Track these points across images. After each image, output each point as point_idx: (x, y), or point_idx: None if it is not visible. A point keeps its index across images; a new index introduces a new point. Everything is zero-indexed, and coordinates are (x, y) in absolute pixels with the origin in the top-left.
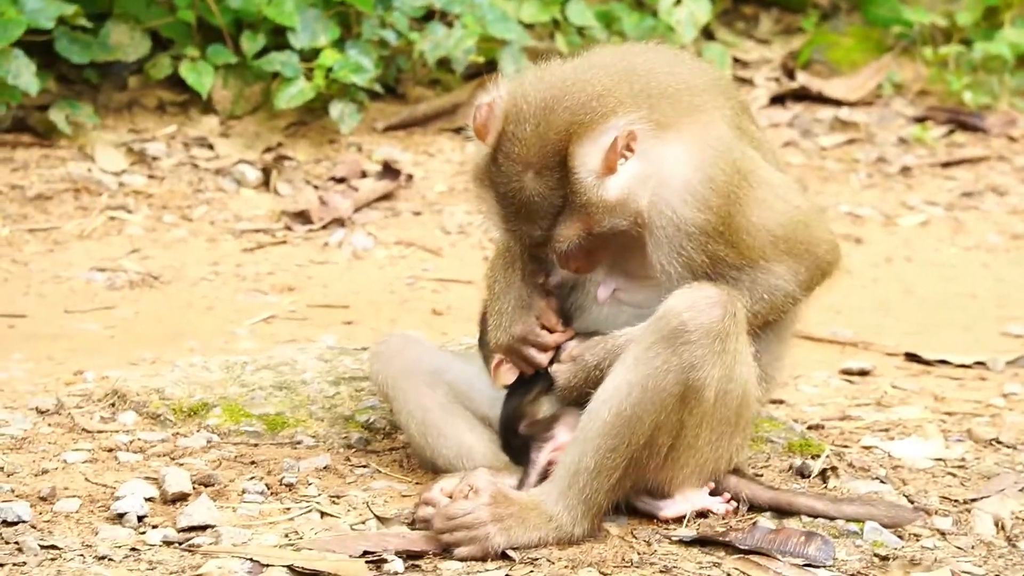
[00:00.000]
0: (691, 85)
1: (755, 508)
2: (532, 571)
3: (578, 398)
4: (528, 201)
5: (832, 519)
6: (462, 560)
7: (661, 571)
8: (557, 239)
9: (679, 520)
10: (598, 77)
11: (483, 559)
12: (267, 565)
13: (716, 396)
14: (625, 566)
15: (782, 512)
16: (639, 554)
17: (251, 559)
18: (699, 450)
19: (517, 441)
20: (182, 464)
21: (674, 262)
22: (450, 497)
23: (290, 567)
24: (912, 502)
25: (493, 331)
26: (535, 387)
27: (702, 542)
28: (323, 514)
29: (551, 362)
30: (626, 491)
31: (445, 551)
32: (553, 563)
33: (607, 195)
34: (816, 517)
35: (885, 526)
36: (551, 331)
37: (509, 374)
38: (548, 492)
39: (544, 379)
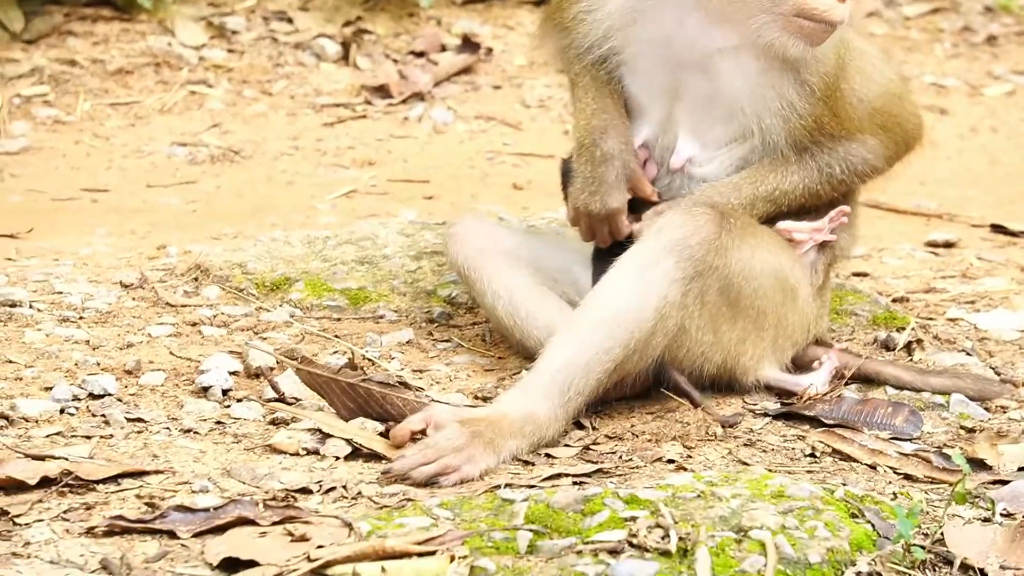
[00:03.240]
0: None
1: (840, 377)
2: (616, 446)
3: None
4: None
5: (919, 391)
6: None
7: (745, 444)
8: None
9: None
10: None
11: None
12: (328, 435)
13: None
14: (709, 439)
15: (868, 381)
16: (723, 427)
17: (319, 430)
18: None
19: None
20: (265, 338)
21: (779, 118)
22: None
23: (349, 440)
24: (999, 374)
25: (587, 198)
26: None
27: (787, 416)
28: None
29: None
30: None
31: None
32: (637, 436)
33: None
34: (902, 388)
35: (972, 399)
36: (648, 199)
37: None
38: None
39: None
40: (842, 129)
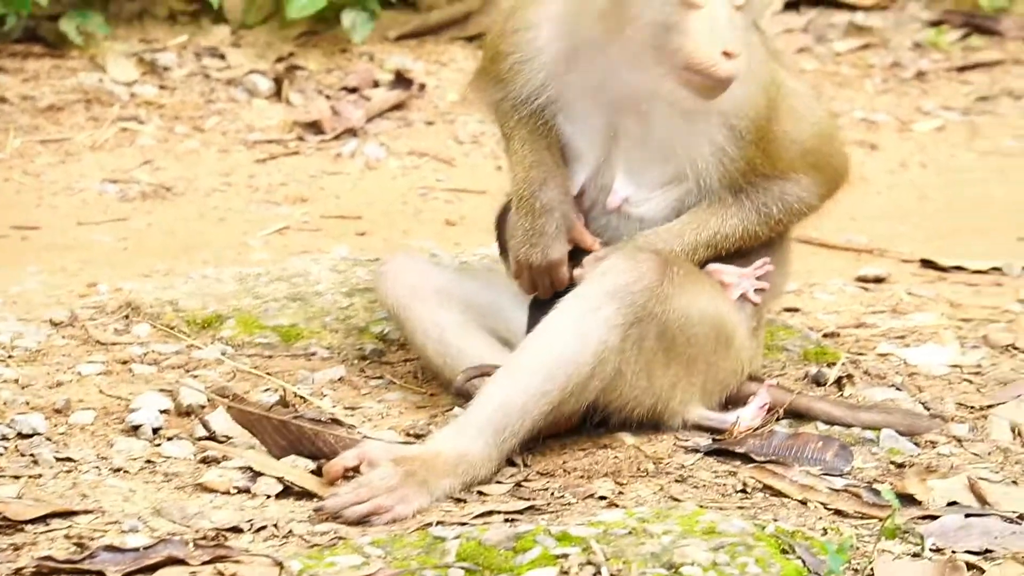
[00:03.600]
0: None
1: (771, 412)
2: (548, 483)
3: None
4: None
5: (849, 426)
6: None
7: (676, 480)
8: None
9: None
10: None
11: None
12: (260, 473)
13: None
14: (640, 476)
15: (799, 416)
16: (654, 463)
17: (250, 468)
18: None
19: None
20: (196, 376)
21: (712, 162)
22: None
23: (281, 479)
24: (928, 409)
25: (528, 250)
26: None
27: (718, 452)
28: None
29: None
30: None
31: None
32: (569, 473)
33: None
34: (833, 424)
35: (902, 434)
36: (588, 249)
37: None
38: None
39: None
40: (775, 170)
